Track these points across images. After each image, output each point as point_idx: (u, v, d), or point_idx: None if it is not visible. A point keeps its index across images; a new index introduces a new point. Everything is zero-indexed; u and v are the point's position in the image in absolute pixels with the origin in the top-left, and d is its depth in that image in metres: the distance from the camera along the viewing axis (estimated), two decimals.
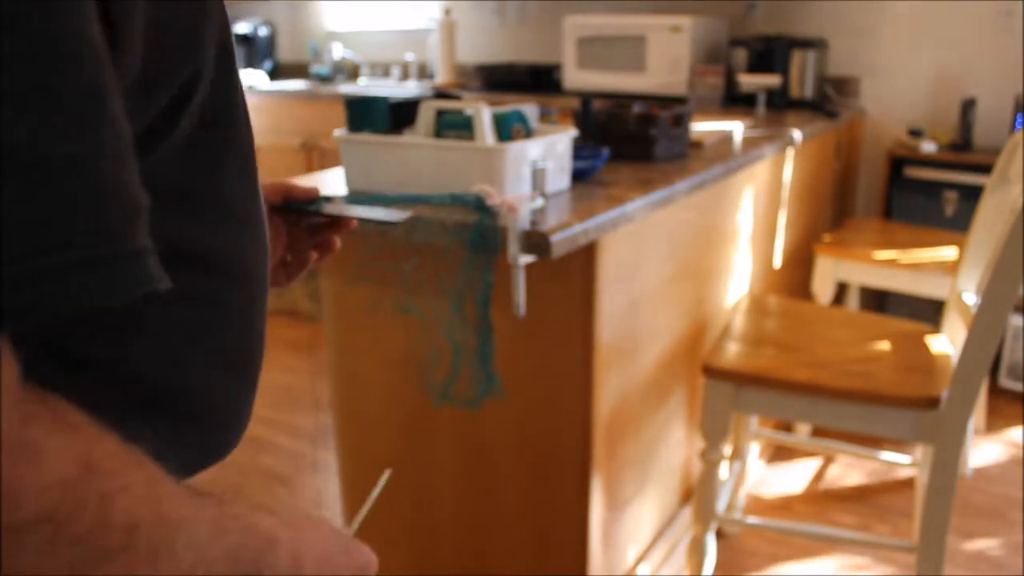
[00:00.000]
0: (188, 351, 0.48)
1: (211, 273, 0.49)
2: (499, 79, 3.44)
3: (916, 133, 2.78)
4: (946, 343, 1.65)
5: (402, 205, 0.80)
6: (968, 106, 2.62)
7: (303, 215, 0.74)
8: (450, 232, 0.96)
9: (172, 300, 0.45)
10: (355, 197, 0.77)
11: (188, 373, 0.48)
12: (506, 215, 0.91)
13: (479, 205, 0.89)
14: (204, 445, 0.53)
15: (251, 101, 3.86)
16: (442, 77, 3.65)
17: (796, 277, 2.52)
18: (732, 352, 1.59)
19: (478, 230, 0.91)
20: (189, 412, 0.50)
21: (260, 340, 0.56)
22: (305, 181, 1.49)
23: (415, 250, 1.10)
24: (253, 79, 3.93)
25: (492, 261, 0.93)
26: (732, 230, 1.89)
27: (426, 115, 1.31)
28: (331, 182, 1.48)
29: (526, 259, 1.10)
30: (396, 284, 1.03)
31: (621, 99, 2.45)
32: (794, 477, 2.24)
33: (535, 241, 1.10)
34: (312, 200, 0.73)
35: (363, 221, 0.75)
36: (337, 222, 0.75)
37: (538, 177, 1.28)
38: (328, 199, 0.74)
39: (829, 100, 2.93)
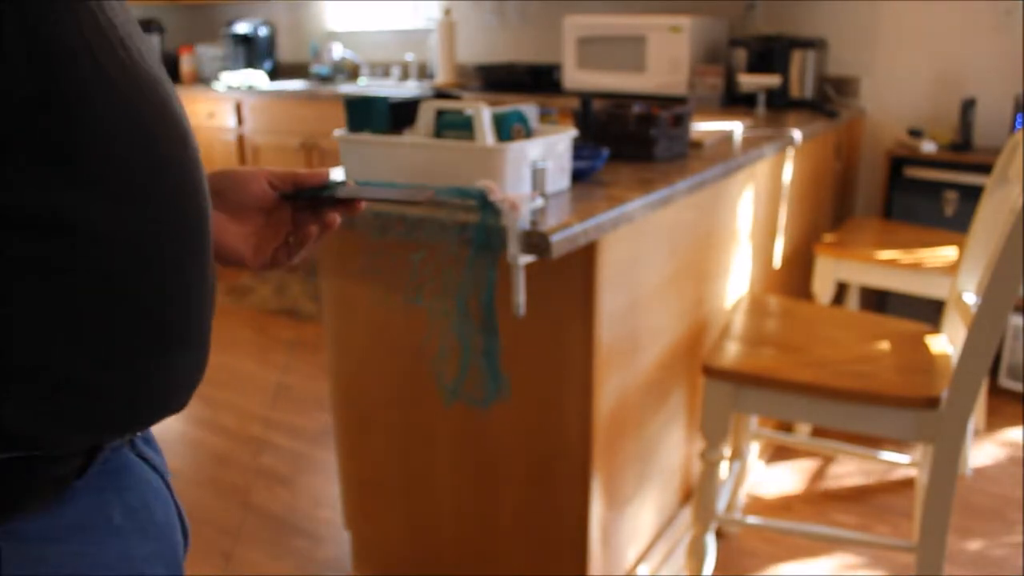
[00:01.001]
0: (41, 324, 0.45)
1: (65, 239, 0.45)
2: (499, 79, 3.44)
3: (916, 133, 2.78)
4: (946, 343, 1.65)
5: (410, 191, 0.80)
6: (968, 106, 2.62)
7: (313, 200, 0.74)
8: (452, 231, 0.96)
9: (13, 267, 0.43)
10: (364, 181, 0.77)
11: (32, 348, 0.45)
12: (508, 213, 0.91)
13: (482, 201, 0.88)
14: (74, 427, 0.49)
15: (251, 101, 3.87)
16: (442, 77, 3.65)
17: (796, 277, 2.52)
18: (732, 352, 1.59)
19: (481, 228, 0.91)
20: (42, 390, 0.46)
21: (166, 328, 0.51)
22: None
23: (421, 244, 1.09)
24: (253, 79, 3.93)
25: (496, 260, 0.93)
26: (732, 230, 1.89)
27: (426, 115, 1.31)
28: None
29: (526, 259, 1.10)
30: (404, 277, 1.03)
31: (621, 99, 2.45)
32: (794, 477, 2.24)
33: (535, 241, 1.10)
34: (323, 186, 0.73)
35: (384, 202, 0.74)
36: (345, 203, 0.74)
37: (538, 177, 1.28)
38: (341, 183, 0.74)
39: (829, 100, 2.93)
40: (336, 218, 0.75)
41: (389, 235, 0.78)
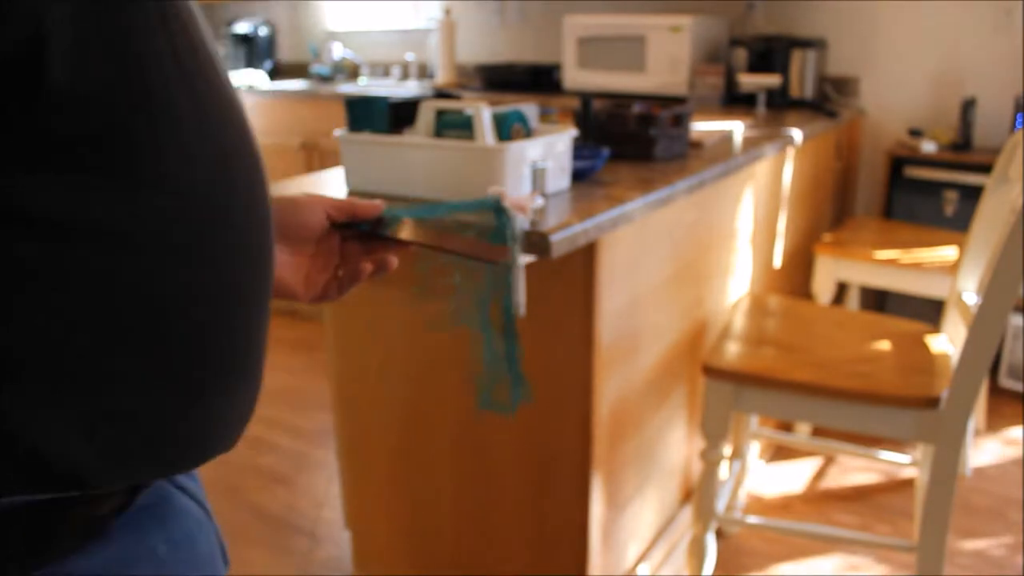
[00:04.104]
0: (90, 347, 0.41)
1: (123, 254, 0.41)
2: (499, 79, 3.44)
3: (916, 133, 2.78)
4: (946, 343, 1.65)
5: (438, 217, 0.79)
6: (968, 106, 2.62)
7: (374, 236, 0.71)
8: (474, 236, 0.96)
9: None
10: (415, 212, 0.76)
11: (84, 375, 0.42)
12: (517, 216, 0.91)
13: (498, 208, 0.89)
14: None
15: (251, 101, 3.87)
16: (442, 77, 3.65)
17: (796, 277, 2.52)
18: (732, 352, 1.59)
19: (499, 234, 0.90)
20: (90, 420, 0.42)
21: (226, 359, 0.47)
22: (313, 181, 1.49)
23: (455, 263, 1.08)
24: (253, 79, 3.93)
25: (513, 263, 0.92)
26: (732, 230, 1.89)
27: (426, 115, 1.31)
28: (331, 182, 1.48)
29: (526, 259, 1.10)
30: (448, 297, 1.03)
31: (621, 99, 2.45)
32: (794, 477, 2.24)
33: (535, 241, 1.10)
34: (379, 220, 0.71)
35: (455, 255, 0.73)
36: (397, 240, 0.72)
37: (538, 177, 1.28)
38: (396, 217, 0.72)
39: (829, 100, 2.93)
40: (394, 261, 0.72)
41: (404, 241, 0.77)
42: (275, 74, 4.37)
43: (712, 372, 1.53)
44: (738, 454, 1.97)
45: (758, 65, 2.81)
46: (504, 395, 0.97)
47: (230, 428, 0.51)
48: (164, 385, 0.45)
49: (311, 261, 0.70)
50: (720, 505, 1.71)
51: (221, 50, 4.28)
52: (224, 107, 0.47)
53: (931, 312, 2.77)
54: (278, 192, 0.74)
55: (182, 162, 0.44)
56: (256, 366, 0.51)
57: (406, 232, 0.71)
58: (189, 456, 0.49)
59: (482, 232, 0.93)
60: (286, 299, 0.69)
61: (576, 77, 3.14)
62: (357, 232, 0.72)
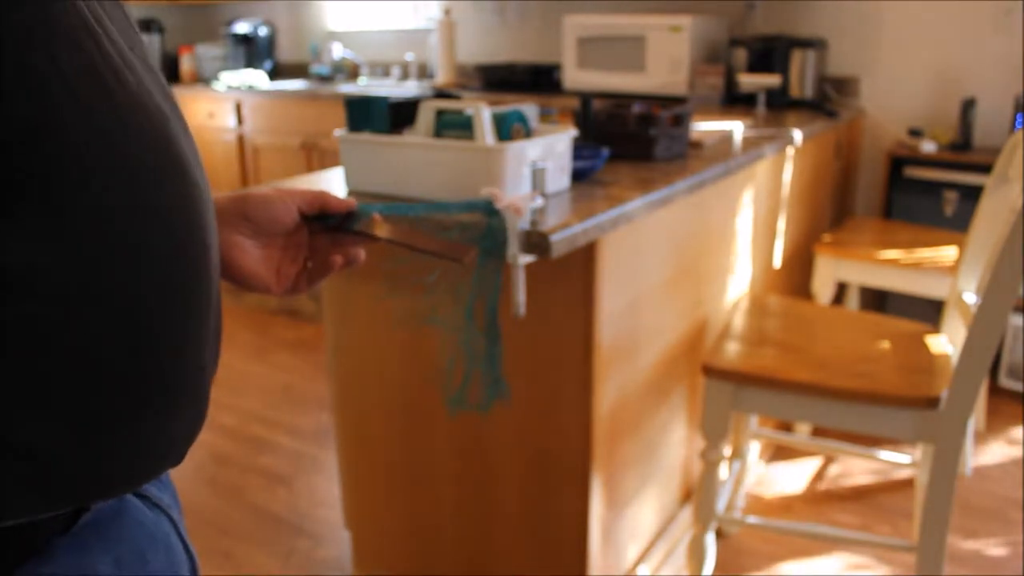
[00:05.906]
0: None
1: (23, 299, 0.39)
2: (499, 79, 3.44)
3: (916, 133, 2.78)
4: (946, 343, 1.65)
5: (426, 215, 0.80)
6: (968, 106, 2.62)
7: (342, 231, 0.73)
8: (457, 235, 0.96)
9: None
10: (387, 209, 0.76)
11: None
12: (512, 217, 0.91)
13: (489, 210, 0.89)
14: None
15: (251, 101, 3.87)
16: (442, 77, 3.65)
17: (796, 277, 2.52)
18: (732, 352, 1.59)
19: (490, 234, 0.91)
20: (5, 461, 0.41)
21: (153, 392, 0.46)
22: (310, 182, 1.49)
23: (434, 262, 1.09)
24: (253, 79, 3.93)
25: (501, 265, 0.93)
26: (732, 230, 1.89)
27: (426, 115, 1.31)
28: (331, 182, 1.48)
29: (526, 259, 1.10)
30: (422, 297, 1.03)
31: (621, 99, 2.45)
32: (794, 477, 2.24)
33: (535, 241, 1.10)
34: (350, 215, 0.72)
35: (420, 252, 0.73)
36: (368, 236, 0.73)
37: (538, 177, 1.28)
38: (367, 214, 0.73)
39: (829, 100, 2.93)
40: (362, 255, 0.73)
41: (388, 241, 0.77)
42: (275, 74, 4.37)
43: (712, 372, 1.53)
44: (738, 454, 1.97)
45: (758, 65, 2.81)
46: (475, 395, 0.97)
47: (169, 451, 0.49)
48: (91, 424, 0.43)
49: (282, 254, 0.71)
50: (720, 505, 1.71)
51: (217, 50, 4.29)
52: (135, 121, 0.44)
53: (931, 312, 2.77)
54: (253, 189, 0.74)
55: (77, 203, 0.41)
56: (196, 393, 0.49)
57: (374, 228, 0.73)
58: (123, 483, 0.47)
59: (466, 232, 0.93)
60: (260, 292, 0.71)
61: (576, 77, 3.14)
62: (326, 225, 0.73)
